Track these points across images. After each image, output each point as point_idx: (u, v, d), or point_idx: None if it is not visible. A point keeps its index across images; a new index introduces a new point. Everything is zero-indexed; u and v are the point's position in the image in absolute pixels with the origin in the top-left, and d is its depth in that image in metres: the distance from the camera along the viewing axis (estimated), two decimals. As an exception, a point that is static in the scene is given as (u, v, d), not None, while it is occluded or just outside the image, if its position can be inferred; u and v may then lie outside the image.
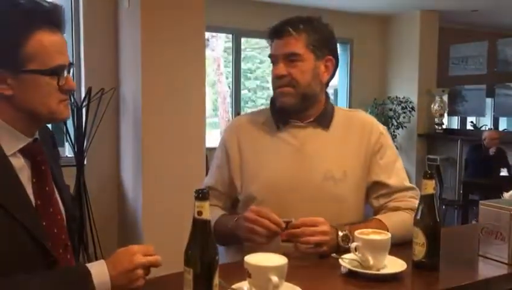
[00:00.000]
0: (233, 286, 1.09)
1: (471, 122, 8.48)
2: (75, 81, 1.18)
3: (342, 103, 7.14)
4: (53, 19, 1.10)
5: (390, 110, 7.13)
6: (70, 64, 1.15)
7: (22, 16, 1.07)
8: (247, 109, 7.86)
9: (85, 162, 3.70)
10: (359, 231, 1.28)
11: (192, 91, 3.70)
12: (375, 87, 7.44)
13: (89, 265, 1.07)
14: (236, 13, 6.31)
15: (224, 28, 6.44)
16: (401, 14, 7.22)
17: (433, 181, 1.30)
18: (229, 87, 7.82)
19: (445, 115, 7.46)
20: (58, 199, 1.20)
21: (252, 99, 9.42)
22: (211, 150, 4.36)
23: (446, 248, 1.32)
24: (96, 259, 3.42)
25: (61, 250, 1.16)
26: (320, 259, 1.38)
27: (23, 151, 1.13)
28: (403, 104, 7.07)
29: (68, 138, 3.68)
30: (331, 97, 1.69)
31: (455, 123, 8.78)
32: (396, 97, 7.17)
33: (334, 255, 1.32)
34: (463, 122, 8.71)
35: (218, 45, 8.88)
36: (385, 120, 6.88)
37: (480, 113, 7.93)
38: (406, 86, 7.23)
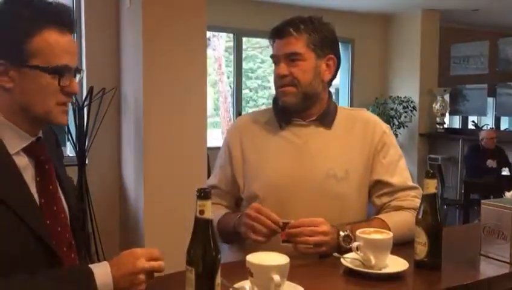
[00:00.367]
0: (235, 285, 1.09)
1: (473, 121, 8.48)
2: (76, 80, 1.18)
3: (343, 102, 7.13)
4: (63, 20, 1.11)
5: (392, 109, 7.13)
6: (78, 69, 1.15)
7: (31, 13, 1.08)
8: (248, 108, 7.86)
9: (86, 162, 3.71)
10: (361, 230, 1.28)
11: (194, 90, 3.70)
12: (377, 87, 7.43)
13: (92, 266, 1.07)
14: (237, 13, 6.32)
15: (226, 27, 6.43)
16: (402, 14, 7.21)
17: (435, 180, 1.30)
18: (230, 86, 7.82)
19: (447, 114, 7.45)
20: (62, 197, 1.21)
21: (253, 99, 9.42)
22: (212, 149, 4.37)
23: (448, 247, 1.32)
24: (98, 258, 3.44)
25: (65, 249, 1.16)
26: (322, 258, 1.38)
27: (26, 150, 1.13)
28: (404, 104, 7.07)
29: (70, 137, 3.68)
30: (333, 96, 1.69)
31: (457, 123, 8.78)
32: (398, 97, 7.17)
33: (335, 254, 1.32)
34: (464, 121, 8.70)
35: (219, 44, 8.89)
36: (386, 120, 6.87)
37: (482, 113, 7.92)
38: (407, 86, 7.23)
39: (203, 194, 0.97)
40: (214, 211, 1.50)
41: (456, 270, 1.33)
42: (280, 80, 1.55)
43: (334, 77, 1.61)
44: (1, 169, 1.07)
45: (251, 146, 1.61)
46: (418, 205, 1.34)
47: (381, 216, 1.52)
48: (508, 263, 1.34)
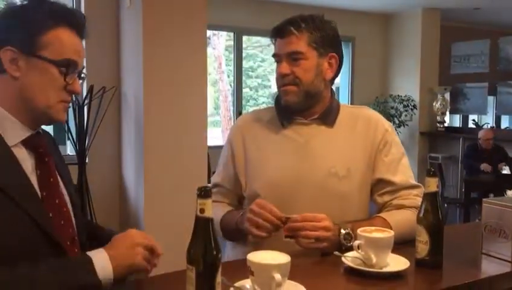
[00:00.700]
0: (236, 284, 1.09)
1: (473, 120, 8.48)
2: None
3: (343, 101, 7.13)
4: (77, 23, 1.16)
5: (392, 108, 7.13)
6: (82, 72, 1.18)
7: (50, 10, 1.13)
8: (248, 107, 7.85)
9: (87, 161, 3.71)
10: (362, 228, 1.28)
11: (194, 89, 3.70)
12: (377, 85, 7.43)
13: (89, 253, 1.09)
14: (237, 11, 6.31)
15: (226, 26, 6.43)
16: (403, 12, 7.21)
17: (436, 179, 1.29)
18: (230, 85, 7.82)
19: (447, 113, 7.45)
20: (64, 192, 1.21)
21: (254, 98, 9.41)
22: (213, 148, 4.37)
23: (449, 246, 1.31)
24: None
25: (69, 243, 1.16)
26: (323, 257, 1.37)
27: (25, 143, 1.14)
28: (404, 102, 7.07)
29: (70, 136, 3.68)
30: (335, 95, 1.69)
31: (457, 121, 8.78)
32: (398, 95, 7.17)
33: (336, 253, 1.32)
34: (465, 120, 8.71)
35: (219, 43, 8.88)
36: (387, 118, 6.81)
37: (482, 112, 7.92)
38: (407, 84, 7.23)
39: (204, 192, 0.96)
40: (217, 209, 1.51)
41: (457, 269, 1.32)
42: (282, 79, 1.55)
43: (336, 75, 1.61)
44: None
45: (253, 144, 1.61)
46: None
47: (383, 215, 1.51)
48: (509, 261, 1.33)
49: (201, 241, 0.97)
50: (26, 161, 1.13)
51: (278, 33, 1.55)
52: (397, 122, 6.96)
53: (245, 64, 7.42)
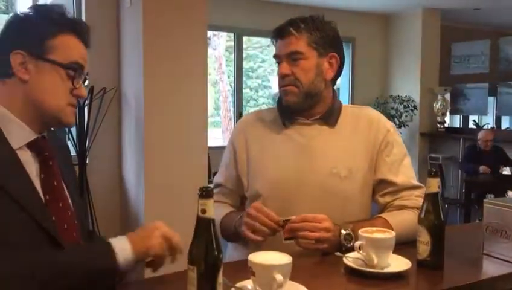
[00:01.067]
0: (237, 285, 1.09)
1: (474, 121, 8.48)
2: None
3: (344, 101, 7.06)
4: (83, 33, 1.21)
5: (392, 108, 7.13)
6: (86, 78, 1.22)
7: (60, 18, 1.17)
8: (248, 108, 7.85)
9: (87, 161, 3.70)
10: (363, 229, 1.28)
11: (194, 90, 3.70)
12: (377, 86, 7.43)
13: (109, 240, 1.12)
14: (238, 12, 6.31)
15: (226, 26, 6.43)
16: (403, 13, 7.21)
17: (438, 179, 1.29)
18: (230, 86, 7.81)
19: (448, 113, 7.45)
20: (68, 196, 1.21)
21: (254, 98, 9.41)
22: (213, 148, 4.37)
23: (450, 246, 1.31)
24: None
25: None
26: (324, 257, 1.37)
27: (30, 146, 1.14)
28: (405, 103, 7.06)
29: (70, 137, 3.68)
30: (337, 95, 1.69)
31: (457, 122, 8.77)
32: (399, 96, 7.17)
33: (338, 253, 1.31)
34: (465, 121, 8.70)
35: (219, 43, 8.88)
36: (387, 119, 6.87)
37: (483, 112, 7.92)
38: (408, 85, 7.23)
39: (205, 193, 0.96)
40: (218, 209, 1.51)
41: (458, 269, 1.32)
42: (282, 80, 1.55)
43: (338, 75, 1.61)
44: (3, 162, 1.07)
45: (255, 145, 1.62)
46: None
47: (384, 215, 1.51)
48: (511, 262, 1.33)
49: (202, 241, 0.96)
50: (31, 164, 1.13)
51: (278, 34, 1.56)
52: (397, 122, 6.95)
53: (245, 64, 7.41)
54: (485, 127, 7.93)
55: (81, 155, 3.62)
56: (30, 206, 1.07)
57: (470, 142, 6.25)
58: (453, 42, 7.80)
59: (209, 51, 7.21)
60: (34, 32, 1.14)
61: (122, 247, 1.09)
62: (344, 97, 7.28)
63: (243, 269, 1.09)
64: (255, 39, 8.08)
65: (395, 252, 1.26)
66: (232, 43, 6.69)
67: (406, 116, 7.04)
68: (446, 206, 6.00)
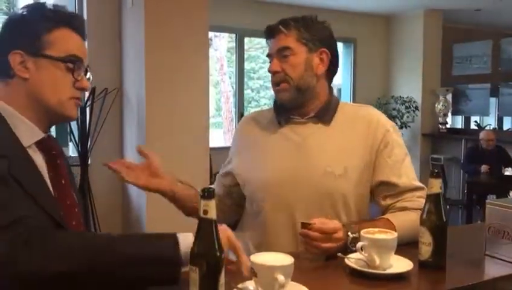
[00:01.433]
0: (239, 285, 1.09)
1: (475, 121, 8.46)
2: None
3: (345, 102, 7.12)
4: (78, 25, 1.21)
5: (394, 109, 7.12)
6: (88, 70, 1.23)
7: (53, 15, 1.18)
8: (250, 108, 7.86)
9: (89, 162, 3.71)
10: (365, 230, 1.27)
11: (196, 91, 3.70)
12: (379, 87, 7.43)
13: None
14: (239, 13, 6.31)
15: (228, 27, 6.43)
16: (405, 14, 7.21)
17: (440, 180, 1.28)
18: (232, 87, 7.82)
19: (449, 114, 7.44)
20: (74, 194, 1.23)
21: (255, 99, 9.42)
22: (215, 149, 4.37)
23: (452, 247, 1.30)
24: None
25: None
26: (326, 258, 1.37)
27: (39, 145, 1.16)
28: (406, 104, 7.06)
29: (72, 137, 3.68)
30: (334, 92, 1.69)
31: (459, 123, 8.77)
32: (400, 97, 7.16)
33: (340, 254, 1.31)
34: (467, 121, 8.69)
35: (221, 44, 8.90)
36: (389, 119, 6.86)
37: (484, 113, 7.90)
38: (409, 86, 7.22)
39: (207, 193, 0.96)
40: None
41: (460, 270, 1.32)
42: (274, 78, 1.58)
43: (333, 72, 1.61)
44: (17, 159, 1.09)
45: (252, 144, 1.63)
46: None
47: (387, 216, 1.50)
48: (513, 263, 1.33)
49: (204, 242, 0.96)
50: (40, 162, 1.15)
51: (269, 34, 1.58)
52: (399, 123, 6.95)
53: (247, 65, 7.42)
54: (487, 127, 7.91)
55: (83, 156, 3.63)
56: (44, 200, 1.09)
57: (472, 143, 6.24)
58: (455, 43, 7.79)
59: (211, 52, 7.21)
60: (30, 31, 1.15)
61: (186, 237, 1.08)
62: (346, 98, 7.27)
63: (245, 270, 1.09)
64: (257, 40, 8.09)
65: (396, 253, 1.26)
66: (234, 44, 6.70)
67: (408, 117, 7.03)
68: (448, 207, 5.99)
